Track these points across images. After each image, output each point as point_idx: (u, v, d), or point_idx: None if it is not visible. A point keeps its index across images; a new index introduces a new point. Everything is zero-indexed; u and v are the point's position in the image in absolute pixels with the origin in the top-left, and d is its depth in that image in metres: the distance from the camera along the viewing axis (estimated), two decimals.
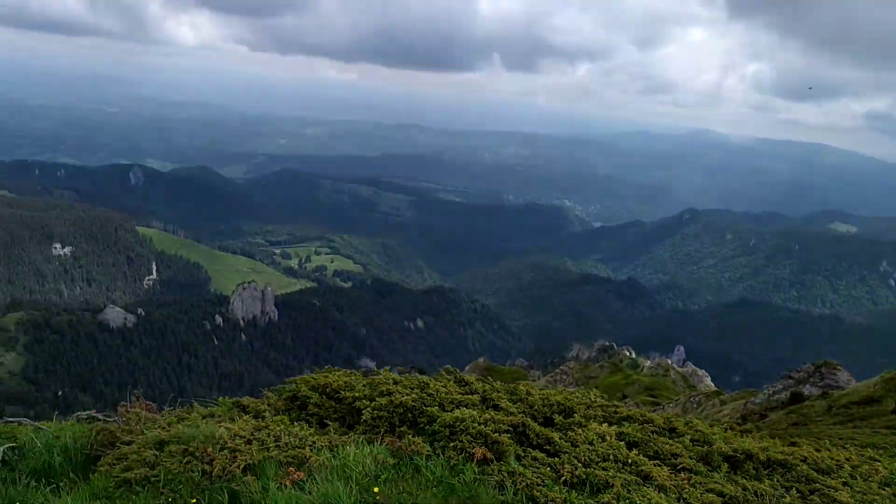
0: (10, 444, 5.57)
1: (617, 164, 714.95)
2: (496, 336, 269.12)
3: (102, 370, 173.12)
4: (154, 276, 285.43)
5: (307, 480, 5.06)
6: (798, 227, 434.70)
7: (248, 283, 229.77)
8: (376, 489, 5.17)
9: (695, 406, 54.30)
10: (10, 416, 7.38)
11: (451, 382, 6.95)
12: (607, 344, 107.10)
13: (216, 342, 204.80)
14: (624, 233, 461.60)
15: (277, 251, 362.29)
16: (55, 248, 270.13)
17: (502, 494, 5.38)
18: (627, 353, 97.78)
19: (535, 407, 6.67)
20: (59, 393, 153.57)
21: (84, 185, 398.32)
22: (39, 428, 6.02)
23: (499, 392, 6.86)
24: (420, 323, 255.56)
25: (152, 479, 5.11)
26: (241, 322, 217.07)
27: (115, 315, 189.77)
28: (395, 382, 6.72)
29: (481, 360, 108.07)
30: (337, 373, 7.03)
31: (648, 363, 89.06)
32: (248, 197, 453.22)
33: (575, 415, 6.62)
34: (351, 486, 5.25)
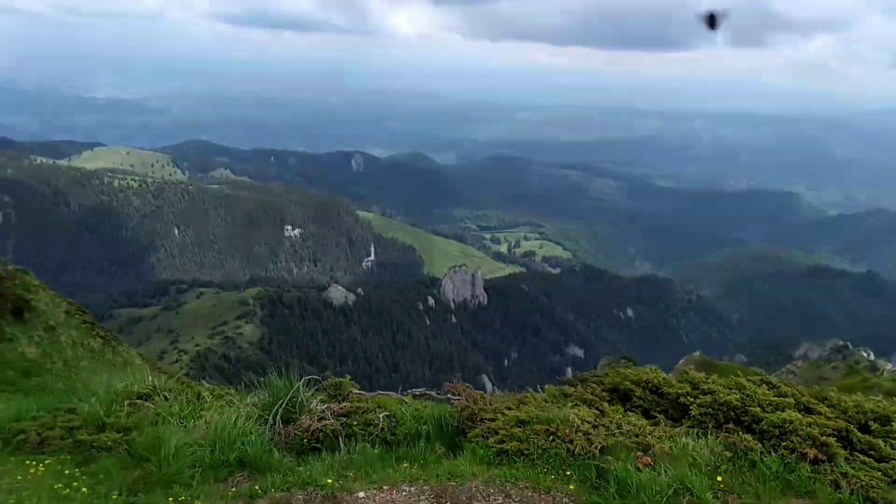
0: (386, 413, 6.69)
1: (857, 146, 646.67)
2: (712, 329, 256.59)
3: (325, 344, 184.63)
4: (372, 257, 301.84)
5: (654, 465, 5.67)
6: None
7: (459, 266, 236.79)
8: (719, 478, 5.69)
9: None
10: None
11: (764, 386, 7.20)
12: (841, 343, 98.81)
13: (428, 322, 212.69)
14: (864, 222, 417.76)
15: (487, 236, 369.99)
16: (287, 229, 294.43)
17: (838, 493, 5.66)
18: (865, 355, 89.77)
19: (849, 413, 6.77)
20: (288, 364, 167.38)
21: (312, 171, 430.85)
22: (403, 401, 7.11)
23: (805, 396, 7.02)
24: (630, 312, 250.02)
25: (525, 451, 5.88)
26: (452, 304, 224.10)
27: (337, 293, 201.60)
28: (713, 382, 7.11)
29: (696, 353, 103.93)
30: (646, 369, 7.54)
31: (890, 366, 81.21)
32: (460, 182, 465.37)
33: (892, 423, 6.65)
34: (696, 473, 5.69)
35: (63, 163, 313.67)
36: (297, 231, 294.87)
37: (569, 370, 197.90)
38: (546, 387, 7.67)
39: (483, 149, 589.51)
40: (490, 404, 6.65)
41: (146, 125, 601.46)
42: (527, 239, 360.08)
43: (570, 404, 6.75)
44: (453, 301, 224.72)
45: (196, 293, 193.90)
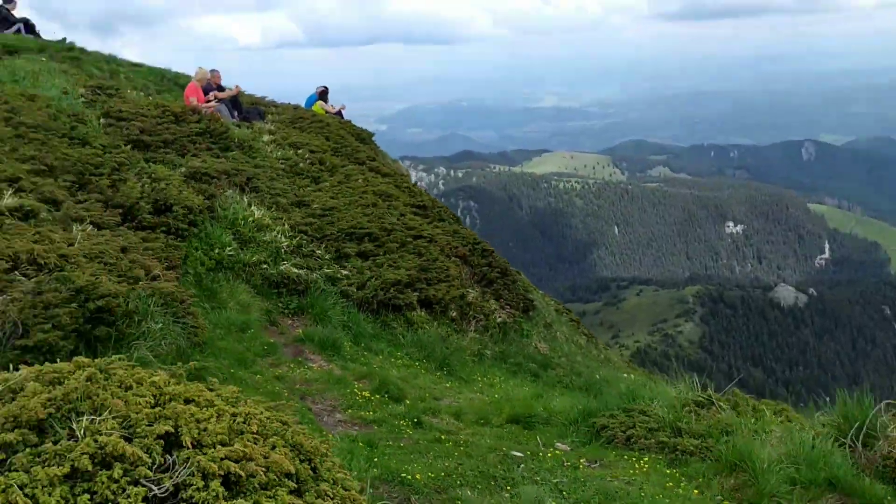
0: None
1: None
2: None
3: (772, 346, 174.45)
4: (826, 254, 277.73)
5: None
6: None
7: None
8: None
9: None
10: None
11: None
12: None
13: None
14: None
15: None
16: (728, 226, 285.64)
17: None
18: None
19: None
20: (732, 365, 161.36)
21: (754, 163, 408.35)
22: None
23: None
24: None
25: None
26: None
27: (786, 293, 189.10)
28: None
29: None
30: None
31: None
32: None
33: None
34: None
35: (516, 169, 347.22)
36: (738, 227, 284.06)
37: None
38: None
39: None
40: None
41: (587, 129, 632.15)
42: None
43: None
44: None
45: (635, 290, 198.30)
